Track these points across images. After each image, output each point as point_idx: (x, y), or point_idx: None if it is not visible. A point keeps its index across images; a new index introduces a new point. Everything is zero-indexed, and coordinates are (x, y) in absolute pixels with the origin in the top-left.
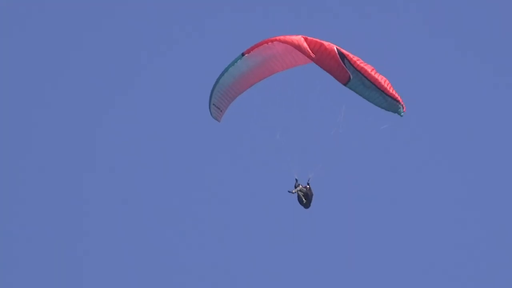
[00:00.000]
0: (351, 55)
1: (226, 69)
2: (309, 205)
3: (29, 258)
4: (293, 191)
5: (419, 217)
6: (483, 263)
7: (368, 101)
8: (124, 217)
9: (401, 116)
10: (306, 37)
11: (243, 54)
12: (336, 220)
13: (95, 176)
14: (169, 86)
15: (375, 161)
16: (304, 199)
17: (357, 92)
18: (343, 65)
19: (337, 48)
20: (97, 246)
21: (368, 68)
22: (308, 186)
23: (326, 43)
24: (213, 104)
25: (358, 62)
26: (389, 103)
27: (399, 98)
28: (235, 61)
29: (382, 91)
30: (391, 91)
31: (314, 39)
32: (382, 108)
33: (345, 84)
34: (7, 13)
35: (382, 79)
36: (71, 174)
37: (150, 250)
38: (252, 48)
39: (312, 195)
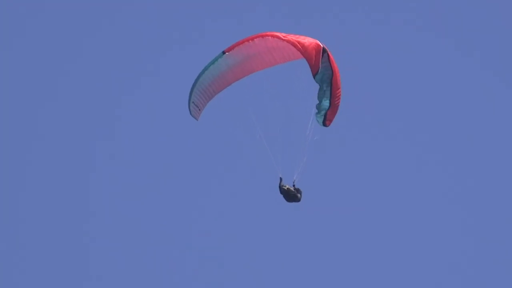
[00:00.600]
0: (330, 53)
1: (207, 67)
2: (300, 197)
3: (30, 259)
4: (285, 187)
5: (417, 217)
6: (481, 263)
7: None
8: (122, 220)
9: (320, 124)
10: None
11: (223, 52)
12: (328, 220)
13: (95, 176)
14: (169, 86)
15: (370, 163)
16: (294, 190)
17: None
18: (320, 57)
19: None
20: (98, 247)
21: (338, 74)
22: (293, 186)
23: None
24: (193, 102)
25: (334, 62)
26: (324, 108)
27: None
28: (216, 59)
29: (330, 95)
30: (336, 100)
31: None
32: (316, 107)
33: (314, 76)
34: (7, 14)
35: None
36: (71, 174)
37: (146, 252)
38: (233, 46)
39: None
